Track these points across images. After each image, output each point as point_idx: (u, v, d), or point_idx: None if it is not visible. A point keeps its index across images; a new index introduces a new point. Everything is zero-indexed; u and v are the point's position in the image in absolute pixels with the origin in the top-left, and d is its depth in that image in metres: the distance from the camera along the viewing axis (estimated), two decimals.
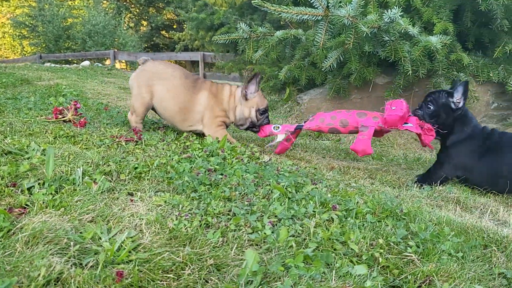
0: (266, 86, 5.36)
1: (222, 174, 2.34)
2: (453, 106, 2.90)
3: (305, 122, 3.26)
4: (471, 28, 4.34)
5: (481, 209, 2.55)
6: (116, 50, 17.40)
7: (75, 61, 19.03)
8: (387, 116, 2.94)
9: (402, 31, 3.80)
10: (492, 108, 4.40)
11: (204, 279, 1.41)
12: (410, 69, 3.88)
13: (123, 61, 19.66)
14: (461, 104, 2.88)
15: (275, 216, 1.91)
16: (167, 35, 26.35)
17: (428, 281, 1.55)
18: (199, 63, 13.65)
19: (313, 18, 3.73)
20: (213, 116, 3.35)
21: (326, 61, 3.98)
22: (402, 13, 3.71)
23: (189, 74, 3.52)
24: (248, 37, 4.57)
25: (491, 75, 4.23)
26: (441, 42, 3.74)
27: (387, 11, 3.70)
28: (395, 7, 3.68)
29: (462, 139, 2.90)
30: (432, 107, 2.94)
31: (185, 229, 1.71)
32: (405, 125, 2.96)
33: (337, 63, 4.10)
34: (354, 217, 1.97)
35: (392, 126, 2.95)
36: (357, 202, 2.11)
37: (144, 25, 27.94)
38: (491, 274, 1.66)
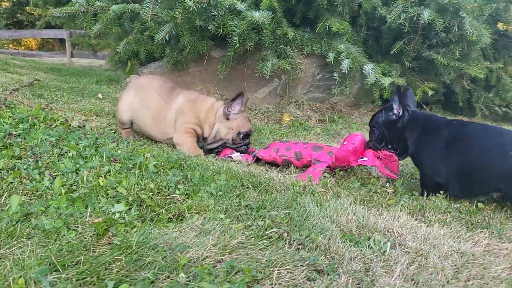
0: (112, 60, 5.50)
1: (24, 138, 2.51)
2: (394, 118, 2.71)
3: (258, 150, 3.12)
4: (298, 5, 4.83)
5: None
6: None
7: None
8: (337, 152, 2.80)
9: (230, 7, 4.17)
10: (318, 79, 4.96)
11: None
12: (237, 42, 4.25)
13: None
14: (401, 112, 2.69)
15: (61, 170, 2.14)
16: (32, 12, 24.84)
17: (178, 214, 1.90)
18: (66, 41, 13.23)
19: None
20: (184, 121, 3.06)
21: (158, 35, 4.22)
22: None
23: (168, 82, 3.34)
24: (85, 10, 4.66)
25: (314, 48, 4.76)
26: (263, 17, 4.15)
27: None
28: None
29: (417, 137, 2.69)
30: (376, 131, 2.80)
31: None
32: (360, 160, 2.79)
33: (170, 36, 4.37)
34: (137, 169, 2.27)
35: (343, 162, 2.78)
36: (146, 157, 2.41)
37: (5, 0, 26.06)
38: (239, 206, 2.04)
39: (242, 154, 3.06)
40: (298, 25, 4.94)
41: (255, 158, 3.05)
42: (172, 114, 3.08)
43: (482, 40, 4.56)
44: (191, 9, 4.00)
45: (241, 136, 3.07)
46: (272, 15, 4.28)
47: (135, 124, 3.28)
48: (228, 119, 3.04)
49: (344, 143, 2.85)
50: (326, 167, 2.82)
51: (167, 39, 4.35)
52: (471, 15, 4.50)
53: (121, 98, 3.27)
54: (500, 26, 5.78)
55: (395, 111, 2.71)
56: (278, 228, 1.85)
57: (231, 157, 3.01)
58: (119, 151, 2.43)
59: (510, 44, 6.12)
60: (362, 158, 2.80)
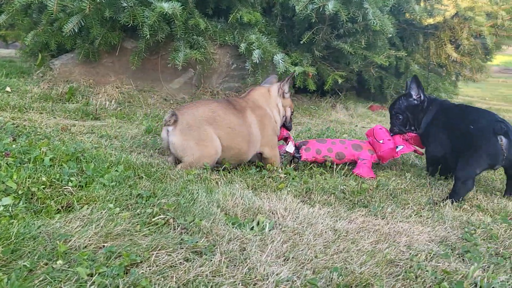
0: (23, 52, 5.40)
1: None
2: (416, 102, 3.08)
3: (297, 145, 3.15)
4: None
5: None
6: None
7: None
8: (383, 153, 3.10)
9: None
10: (232, 68, 5.11)
11: None
12: (148, 33, 4.30)
13: None
14: (422, 97, 3.07)
15: None
16: None
17: (67, 205, 1.98)
18: None
19: None
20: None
21: (66, 27, 4.20)
22: None
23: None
24: None
25: (227, 38, 4.88)
26: (173, 8, 4.23)
27: None
28: None
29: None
30: (401, 116, 3.12)
31: None
32: (398, 150, 3.10)
33: (80, 28, 4.36)
34: (32, 162, 2.32)
35: (389, 159, 3.15)
36: (42, 151, 2.46)
37: None
38: (130, 195, 2.15)
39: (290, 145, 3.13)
40: (211, 15, 5.04)
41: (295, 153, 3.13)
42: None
43: (386, 29, 4.83)
44: (99, 0, 4.02)
45: (291, 113, 3.21)
46: (183, 6, 4.36)
47: None
48: (284, 97, 3.13)
49: (381, 142, 3.12)
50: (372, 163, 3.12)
51: (77, 31, 4.33)
52: (375, 6, 4.76)
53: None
54: (408, 15, 6.13)
55: (415, 97, 3.08)
56: (165, 215, 1.97)
57: (287, 152, 3.13)
58: (13, 146, 2.46)
59: (417, 32, 6.51)
60: (398, 147, 3.11)
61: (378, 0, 4.90)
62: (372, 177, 2.97)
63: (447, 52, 6.46)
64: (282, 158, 3.21)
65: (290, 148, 3.09)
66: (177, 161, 2.78)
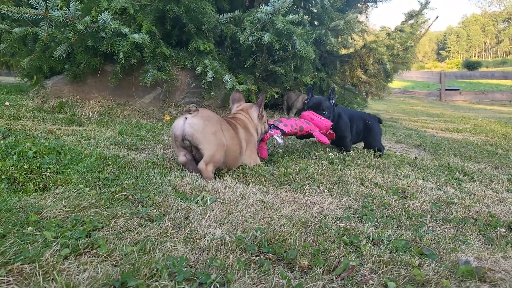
0: (21, 75, 5.17)
1: None
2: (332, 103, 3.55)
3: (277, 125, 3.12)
4: (173, 30, 4.87)
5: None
6: None
7: None
8: (328, 124, 3.32)
9: (116, 30, 4.11)
10: (192, 87, 5.05)
11: None
12: (123, 58, 4.21)
13: None
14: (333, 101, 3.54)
15: None
16: None
17: (43, 186, 1.89)
18: None
19: (35, 17, 3.76)
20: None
21: (55, 53, 4.05)
22: (113, 16, 4.02)
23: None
24: None
25: (187, 63, 4.84)
26: (142, 39, 4.16)
27: (101, 15, 3.95)
28: (106, 12, 3.96)
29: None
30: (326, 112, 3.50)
31: None
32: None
33: (67, 54, 4.22)
34: (17, 155, 2.20)
35: (327, 130, 3.34)
36: (27, 146, 2.34)
37: None
38: (98, 178, 2.06)
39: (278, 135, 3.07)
40: (174, 45, 4.99)
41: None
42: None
43: (310, 56, 4.91)
44: (81, 32, 3.90)
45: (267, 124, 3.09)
46: (151, 37, 4.30)
47: None
48: (262, 118, 2.95)
49: (323, 119, 3.32)
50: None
51: (65, 56, 4.19)
52: (301, 38, 4.83)
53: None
54: (328, 47, 6.24)
55: (332, 101, 3.53)
56: (126, 192, 1.91)
57: (279, 143, 3.10)
58: (1, 142, 2.33)
59: (335, 59, 6.64)
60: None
61: (304, 33, 4.97)
62: (328, 143, 3.27)
63: (358, 74, 6.61)
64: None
65: (279, 140, 3.07)
66: (189, 157, 2.41)
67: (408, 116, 9.31)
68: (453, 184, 2.81)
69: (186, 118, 2.33)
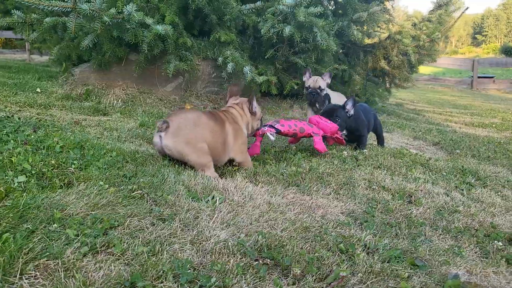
0: (52, 61, 5.43)
1: None
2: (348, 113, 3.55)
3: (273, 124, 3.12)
4: (196, 21, 4.97)
5: None
6: None
7: None
8: (334, 128, 3.32)
9: (140, 21, 4.25)
10: (213, 77, 5.18)
11: None
12: (146, 49, 4.36)
13: None
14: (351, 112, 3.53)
15: None
16: None
17: (68, 182, 2.07)
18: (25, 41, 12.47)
19: (64, 10, 3.94)
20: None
21: (83, 43, 4.24)
22: (138, 7, 4.15)
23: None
24: (23, 21, 4.55)
25: (208, 53, 4.95)
26: (165, 30, 4.28)
27: (126, 6, 4.10)
28: (131, 4, 4.10)
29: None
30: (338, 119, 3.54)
31: None
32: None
33: (94, 43, 4.40)
34: (46, 149, 2.39)
35: (333, 135, 3.36)
36: (55, 140, 2.53)
37: None
38: (117, 175, 2.23)
39: (272, 133, 3.07)
40: (197, 36, 5.10)
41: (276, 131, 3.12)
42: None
43: (331, 49, 4.94)
44: (106, 23, 4.06)
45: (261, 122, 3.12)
46: (174, 28, 4.42)
47: None
48: (255, 114, 3.00)
49: (329, 123, 3.32)
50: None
51: (92, 46, 4.37)
52: (323, 30, 4.86)
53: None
54: (352, 38, 6.21)
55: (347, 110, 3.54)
56: (142, 190, 2.07)
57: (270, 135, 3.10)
58: (32, 136, 2.53)
59: (358, 50, 6.61)
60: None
61: (326, 25, 4.99)
62: (326, 151, 3.19)
63: (381, 65, 6.57)
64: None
65: (271, 137, 3.08)
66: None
67: (433, 107, 9.17)
68: (463, 190, 2.85)
69: (160, 136, 2.48)
